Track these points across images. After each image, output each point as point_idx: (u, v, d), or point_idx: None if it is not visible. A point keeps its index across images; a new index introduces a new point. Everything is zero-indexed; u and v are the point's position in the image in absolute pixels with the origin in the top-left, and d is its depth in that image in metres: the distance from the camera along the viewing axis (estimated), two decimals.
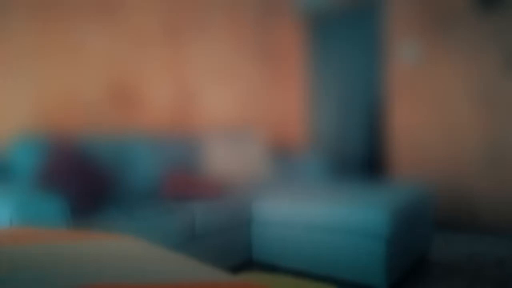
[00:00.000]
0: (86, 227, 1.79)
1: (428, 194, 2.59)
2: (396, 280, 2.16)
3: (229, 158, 3.08)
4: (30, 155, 2.10)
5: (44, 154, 2.08)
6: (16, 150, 2.11)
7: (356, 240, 2.13)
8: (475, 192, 3.24)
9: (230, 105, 3.81)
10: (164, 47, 3.15)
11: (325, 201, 2.30)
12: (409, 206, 2.26)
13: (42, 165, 2.00)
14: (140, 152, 2.59)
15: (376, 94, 3.89)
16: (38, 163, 2.02)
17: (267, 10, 4.26)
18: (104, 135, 2.64)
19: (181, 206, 2.23)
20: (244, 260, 2.51)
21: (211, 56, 3.58)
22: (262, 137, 3.61)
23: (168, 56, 3.18)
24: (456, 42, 3.28)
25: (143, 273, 0.32)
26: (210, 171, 2.96)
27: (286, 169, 3.54)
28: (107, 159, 2.41)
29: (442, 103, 3.37)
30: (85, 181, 2.08)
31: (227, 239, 2.40)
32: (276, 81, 4.37)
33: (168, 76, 3.18)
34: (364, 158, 3.99)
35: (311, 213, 2.28)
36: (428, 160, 3.43)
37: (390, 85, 3.61)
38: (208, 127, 3.55)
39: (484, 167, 3.19)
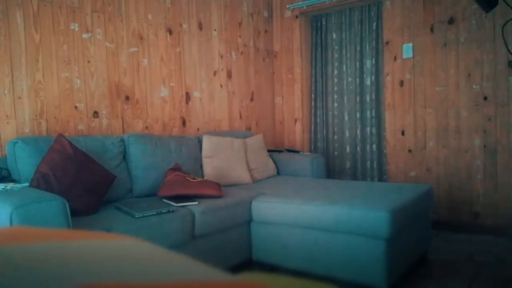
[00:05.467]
0: (86, 227, 1.79)
1: (428, 194, 2.59)
2: (396, 280, 2.16)
3: (228, 158, 3.08)
4: (30, 155, 2.09)
5: (44, 153, 2.08)
6: (16, 150, 2.11)
7: (356, 240, 2.13)
8: (475, 192, 3.24)
9: (230, 105, 3.81)
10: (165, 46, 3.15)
11: (325, 201, 2.29)
12: (409, 206, 2.26)
13: (42, 164, 2.00)
14: (140, 151, 2.59)
15: (375, 93, 3.88)
16: (38, 163, 2.02)
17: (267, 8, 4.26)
18: (104, 135, 2.64)
19: (181, 206, 2.23)
20: (244, 260, 2.51)
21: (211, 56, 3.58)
22: (262, 136, 3.61)
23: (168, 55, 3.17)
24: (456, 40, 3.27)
25: (143, 273, 0.32)
26: (209, 171, 2.96)
27: (286, 169, 3.53)
28: (107, 158, 2.41)
29: (442, 104, 3.36)
30: (85, 180, 2.08)
31: (227, 239, 2.39)
32: (277, 80, 4.36)
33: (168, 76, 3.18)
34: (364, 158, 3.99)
35: (311, 213, 2.27)
36: (428, 161, 3.43)
37: (388, 85, 3.61)
38: (208, 127, 3.55)
39: (484, 167, 3.19)
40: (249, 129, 4.03)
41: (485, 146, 3.18)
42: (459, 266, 2.53)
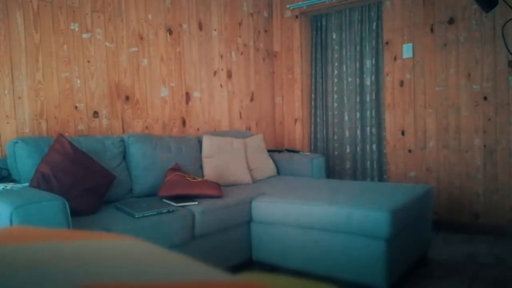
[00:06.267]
0: (86, 227, 1.79)
1: (428, 194, 2.59)
2: (396, 280, 2.16)
3: (228, 158, 3.08)
4: (30, 155, 2.09)
5: (44, 153, 2.08)
6: (16, 150, 2.11)
7: (356, 240, 2.13)
8: (475, 192, 3.24)
9: (230, 105, 3.81)
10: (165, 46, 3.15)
11: (325, 201, 2.29)
12: (409, 206, 2.26)
13: (42, 164, 2.00)
14: (140, 151, 2.59)
15: (375, 93, 3.88)
16: (38, 163, 2.02)
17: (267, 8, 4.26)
18: (104, 135, 2.64)
19: (181, 206, 2.23)
20: (244, 260, 2.51)
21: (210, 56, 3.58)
22: (262, 136, 3.61)
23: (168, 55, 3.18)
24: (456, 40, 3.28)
25: (143, 273, 0.32)
26: (209, 171, 2.96)
27: (286, 169, 3.54)
28: (107, 158, 2.41)
29: (442, 104, 3.36)
30: (85, 180, 2.08)
31: (227, 239, 2.39)
32: (277, 80, 4.36)
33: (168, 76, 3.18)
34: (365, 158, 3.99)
35: (311, 213, 2.27)
36: (428, 161, 3.43)
37: (388, 85, 3.61)
38: (208, 127, 3.55)
39: (484, 167, 3.19)
40: (249, 129, 4.03)
41: (485, 146, 3.18)
42: (459, 266, 2.53)
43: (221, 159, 3.03)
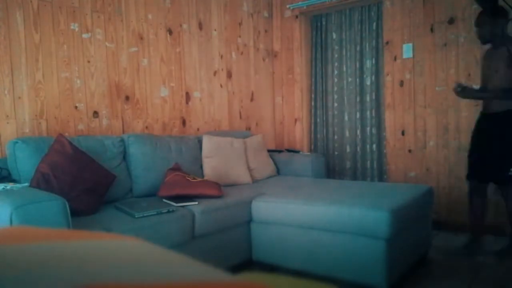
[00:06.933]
0: (86, 227, 1.79)
1: (428, 194, 2.59)
2: (396, 280, 2.16)
3: (228, 158, 3.08)
4: (30, 155, 2.09)
5: (44, 153, 2.08)
6: (16, 150, 2.11)
7: (356, 240, 2.13)
8: None
9: (230, 105, 3.81)
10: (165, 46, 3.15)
11: (325, 201, 2.29)
12: (409, 206, 2.26)
13: (42, 164, 2.00)
14: (140, 151, 2.58)
15: (374, 94, 3.88)
16: (38, 163, 2.02)
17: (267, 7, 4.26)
18: (104, 135, 2.64)
19: (181, 206, 2.23)
20: (244, 260, 2.51)
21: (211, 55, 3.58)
22: (262, 136, 3.60)
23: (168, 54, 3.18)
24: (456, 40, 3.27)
25: (143, 273, 0.32)
26: (209, 171, 2.96)
27: (286, 169, 3.54)
28: (107, 158, 2.41)
29: (442, 104, 3.36)
30: (85, 180, 2.08)
31: (227, 239, 2.39)
32: (277, 80, 4.36)
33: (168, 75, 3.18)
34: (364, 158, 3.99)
35: (311, 213, 2.27)
36: (428, 161, 3.43)
37: (388, 85, 3.61)
38: (208, 127, 3.55)
39: None
40: (249, 129, 4.02)
41: None
42: (459, 266, 2.53)
43: (221, 159, 3.02)
